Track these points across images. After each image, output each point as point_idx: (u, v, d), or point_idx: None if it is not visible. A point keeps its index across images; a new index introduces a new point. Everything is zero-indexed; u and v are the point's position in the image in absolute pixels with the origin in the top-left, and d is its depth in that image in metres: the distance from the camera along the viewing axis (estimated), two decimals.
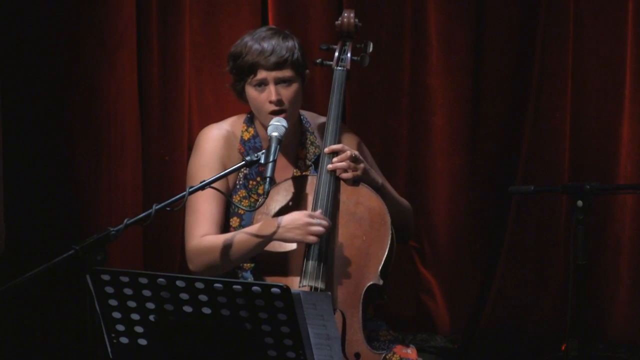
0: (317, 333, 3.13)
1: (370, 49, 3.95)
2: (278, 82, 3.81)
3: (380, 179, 3.89)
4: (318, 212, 3.72)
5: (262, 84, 3.82)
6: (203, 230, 3.81)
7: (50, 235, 5.29)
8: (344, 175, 3.80)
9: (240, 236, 3.74)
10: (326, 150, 3.82)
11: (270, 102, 3.81)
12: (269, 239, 3.71)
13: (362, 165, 3.81)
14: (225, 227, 3.89)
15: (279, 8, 5.42)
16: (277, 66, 3.80)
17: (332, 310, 3.18)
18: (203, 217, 3.82)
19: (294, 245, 3.75)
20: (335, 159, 3.80)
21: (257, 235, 3.72)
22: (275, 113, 3.80)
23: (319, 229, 3.68)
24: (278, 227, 3.70)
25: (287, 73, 3.81)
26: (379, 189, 3.85)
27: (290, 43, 3.83)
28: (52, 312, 5.30)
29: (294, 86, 3.83)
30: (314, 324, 3.12)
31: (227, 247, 3.75)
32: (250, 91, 3.85)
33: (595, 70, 5.43)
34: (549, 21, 5.43)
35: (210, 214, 3.83)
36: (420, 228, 5.52)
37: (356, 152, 3.81)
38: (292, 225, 3.69)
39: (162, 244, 5.45)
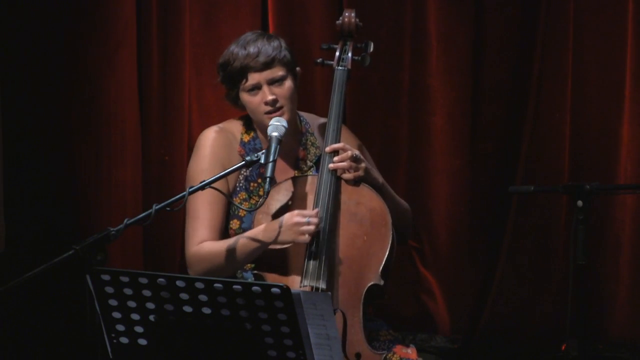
0: (317, 333, 3.13)
1: (371, 49, 3.95)
2: (270, 82, 3.81)
3: (380, 179, 3.89)
4: (314, 211, 3.71)
5: (256, 87, 3.82)
6: (201, 236, 3.82)
7: (50, 235, 5.29)
8: (345, 176, 3.80)
9: (239, 241, 3.75)
10: (327, 149, 3.82)
11: (266, 103, 3.81)
12: (265, 243, 3.72)
13: (363, 165, 3.80)
14: (225, 230, 3.89)
15: (279, 8, 5.42)
16: (266, 66, 3.80)
17: (332, 310, 3.18)
18: (202, 223, 3.83)
19: (294, 245, 3.75)
20: (336, 159, 3.80)
21: (254, 240, 3.73)
22: (271, 112, 3.80)
23: (310, 227, 3.68)
24: (270, 231, 3.71)
25: (277, 72, 3.82)
26: (379, 189, 3.85)
27: (275, 42, 3.84)
28: (52, 312, 5.30)
29: (287, 83, 3.83)
30: (314, 324, 3.12)
31: (225, 253, 3.76)
32: (245, 97, 3.85)
33: (595, 70, 5.43)
34: (549, 21, 5.43)
35: (209, 220, 3.84)
36: (420, 228, 5.52)
37: (357, 152, 3.80)
38: (283, 228, 3.70)
39: (162, 244, 5.45)
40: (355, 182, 3.83)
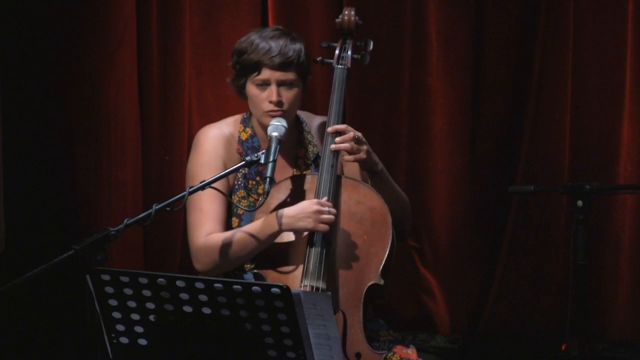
0: (317, 333, 3.13)
1: (371, 47, 3.95)
2: (280, 84, 3.81)
3: (380, 165, 3.87)
4: (325, 199, 3.71)
5: (265, 83, 3.81)
6: (208, 228, 3.80)
7: (50, 235, 5.29)
8: (347, 157, 3.78)
9: (248, 231, 3.73)
10: (329, 129, 3.80)
11: (270, 102, 3.80)
12: (278, 230, 3.70)
13: (365, 147, 3.79)
14: (226, 227, 3.89)
15: (279, 7, 5.42)
16: (282, 67, 3.79)
17: (332, 310, 3.18)
18: (207, 216, 3.81)
19: (294, 245, 3.75)
20: (338, 139, 3.78)
21: (265, 228, 3.71)
22: (272, 112, 3.80)
23: (330, 217, 3.68)
24: (287, 217, 3.68)
25: (290, 76, 3.81)
26: (378, 173, 3.84)
27: (297, 46, 3.82)
28: (52, 312, 5.30)
29: (296, 89, 3.83)
30: (314, 324, 3.12)
31: (235, 243, 3.73)
32: (252, 89, 3.84)
33: (595, 70, 5.43)
34: (549, 21, 5.43)
35: (215, 212, 3.82)
36: (420, 228, 5.52)
37: (359, 134, 3.79)
38: (303, 214, 3.68)
39: (162, 244, 5.45)
40: (355, 180, 3.83)
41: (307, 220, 3.68)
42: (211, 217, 3.82)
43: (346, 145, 3.76)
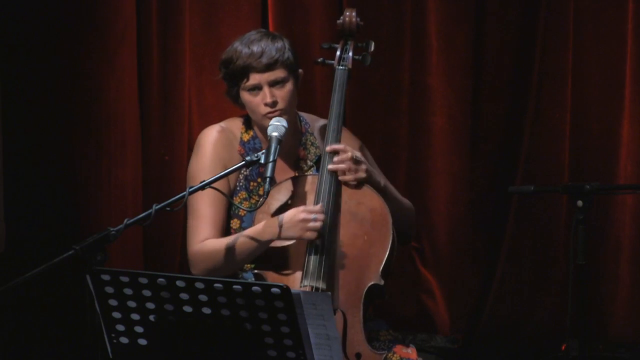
0: (317, 333, 3.13)
1: (372, 48, 3.94)
2: (271, 84, 3.81)
3: (382, 180, 3.88)
4: (319, 206, 3.71)
5: (256, 88, 3.81)
6: (204, 234, 3.81)
7: (50, 235, 5.29)
8: (345, 177, 3.79)
9: (241, 239, 3.74)
10: (327, 149, 3.81)
11: (265, 104, 3.80)
12: (269, 239, 3.71)
13: (363, 166, 3.79)
14: (226, 229, 3.89)
15: (279, 7, 5.42)
16: (269, 67, 3.79)
17: (332, 310, 3.18)
18: (204, 221, 3.82)
19: (294, 245, 3.75)
20: (336, 159, 3.79)
21: (257, 237, 3.72)
22: (270, 114, 3.80)
23: (317, 224, 3.67)
24: (274, 227, 3.70)
25: (279, 74, 3.81)
26: (382, 191, 3.84)
27: (279, 44, 3.83)
28: (52, 312, 5.30)
29: (288, 86, 3.83)
30: (314, 324, 3.12)
31: (228, 251, 3.75)
32: (245, 95, 3.84)
33: (595, 70, 5.43)
34: (549, 21, 5.43)
35: (211, 217, 3.83)
36: (420, 228, 5.52)
37: (357, 153, 3.79)
38: (290, 223, 3.69)
39: (162, 244, 5.45)
40: (357, 183, 3.82)
41: (293, 230, 3.68)
42: (208, 222, 3.83)
43: (343, 165, 3.77)
